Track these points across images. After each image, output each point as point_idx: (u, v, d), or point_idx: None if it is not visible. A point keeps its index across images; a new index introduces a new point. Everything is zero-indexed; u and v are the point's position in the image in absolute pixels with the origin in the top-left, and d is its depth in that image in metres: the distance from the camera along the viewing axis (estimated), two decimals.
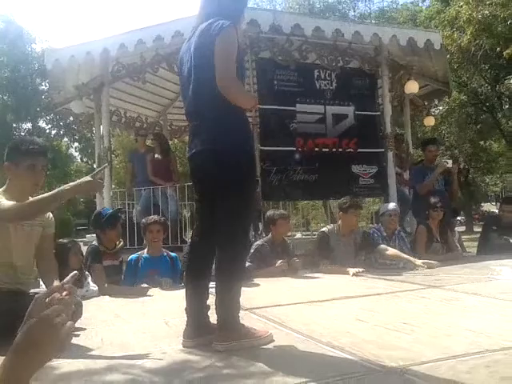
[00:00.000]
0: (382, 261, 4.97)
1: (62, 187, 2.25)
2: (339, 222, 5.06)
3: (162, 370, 1.85)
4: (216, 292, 2.16)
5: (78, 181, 2.29)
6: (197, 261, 2.30)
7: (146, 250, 4.51)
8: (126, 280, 4.31)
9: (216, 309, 2.15)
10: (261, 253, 4.69)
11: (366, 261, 5.00)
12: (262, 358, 1.91)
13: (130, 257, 4.45)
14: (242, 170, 2.16)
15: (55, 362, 1.89)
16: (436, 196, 5.63)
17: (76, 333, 2.40)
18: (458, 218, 31.60)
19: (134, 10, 67.55)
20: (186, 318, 2.24)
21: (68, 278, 1.21)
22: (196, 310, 2.23)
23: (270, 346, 2.11)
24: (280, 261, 4.60)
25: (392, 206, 5.49)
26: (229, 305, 2.13)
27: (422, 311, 2.65)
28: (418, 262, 4.54)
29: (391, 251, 4.83)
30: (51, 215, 2.75)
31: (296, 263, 4.71)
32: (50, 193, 2.24)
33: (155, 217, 4.76)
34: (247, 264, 4.28)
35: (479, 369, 1.62)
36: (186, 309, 2.25)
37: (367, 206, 11.38)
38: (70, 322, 1.08)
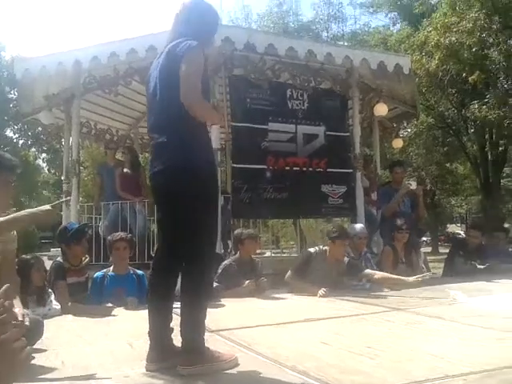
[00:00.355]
0: (352, 282, 4.95)
1: (20, 213, 2.19)
2: (326, 247, 4.95)
3: None
4: (181, 313, 2.14)
5: (37, 209, 2.23)
6: (160, 281, 2.26)
7: (111, 268, 4.41)
8: (92, 298, 4.18)
9: (180, 331, 2.12)
10: (228, 272, 4.64)
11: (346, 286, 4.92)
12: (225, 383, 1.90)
13: (95, 274, 4.35)
14: (205, 187, 2.16)
15: None
16: (402, 218, 5.73)
17: (35, 354, 2.33)
18: (424, 238, 32.27)
19: (108, 22, 67.25)
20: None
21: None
22: (159, 332, 2.19)
23: (235, 370, 2.09)
24: (247, 281, 4.57)
25: (360, 227, 5.49)
26: (194, 326, 2.11)
27: (386, 335, 2.68)
28: (411, 279, 4.52)
29: (379, 274, 4.76)
30: (14, 232, 2.67)
31: (264, 283, 4.66)
32: (8, 217, 2.19)
33: (121, 233, 4.66)
34: (215, 284, 4.27)
35: None
36: (148, 332, 2.22)
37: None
38: (28, 347, 1.06)
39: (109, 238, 4.66)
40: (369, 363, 2.10)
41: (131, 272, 4.43)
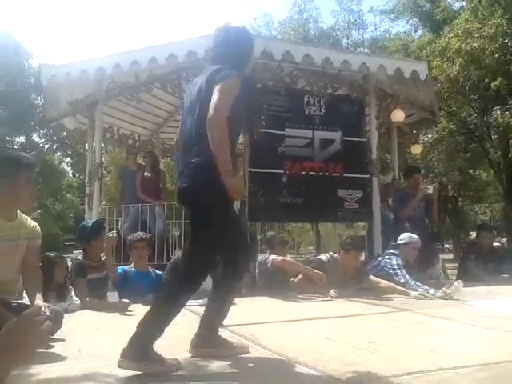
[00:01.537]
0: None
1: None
2: (336, 254, 5.01)
3: (135, 379, 1.95)
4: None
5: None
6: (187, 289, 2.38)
7: (131, 266, 4.60)
8: (120, 291, 4.39)
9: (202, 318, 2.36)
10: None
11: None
12: (226, 368, 2.01)
13: (118, 269, 4.51)
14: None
15: (32, 370, 1.98)
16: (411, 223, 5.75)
17: (54, 343, 2.48)
18: (446, 245, 31.74)
19: (129, 31, 68.46)
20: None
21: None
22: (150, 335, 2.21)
23: (240, 360, 2.19)
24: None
25: (416, 238, 5.27)
26: (216, 317, 2.39)
27: (390, 332, 2.77)
28: (414, 293, 4.40)
29: (384, 284, 4.67)
30: (38, 227, 2.83)
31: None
32: None
33: (141, 233, 4.85)
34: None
35: None
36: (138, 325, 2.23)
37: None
38: (48, 322, 1.20)
39: (129, 237, 4.86)
40: (368, 357, 2.19)
41: (150, 271, 4.62)
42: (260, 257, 5.03)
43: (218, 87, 2.24)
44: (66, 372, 2.06)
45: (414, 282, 4.63)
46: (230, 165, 2.21)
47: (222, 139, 2.19)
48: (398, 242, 5.28)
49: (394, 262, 4.89)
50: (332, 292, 4.42)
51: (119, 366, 2.05)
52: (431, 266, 5.84)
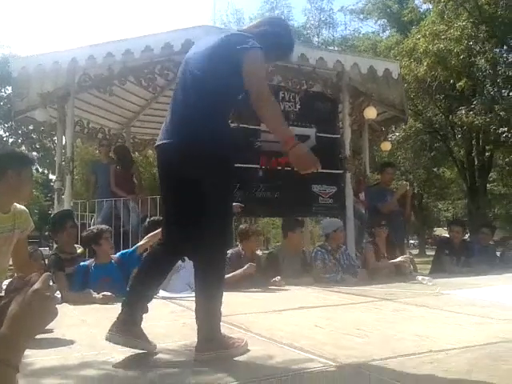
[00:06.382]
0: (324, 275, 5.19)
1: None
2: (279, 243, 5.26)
3: (133, 365, 1.95)
4: (196, 301, 2.14)
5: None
6: (154, 263, 2.26)
7: (93, 260, 4.34)
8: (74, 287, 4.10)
9: (196, 318, 2.12)
10: (230, 262, 4.79)
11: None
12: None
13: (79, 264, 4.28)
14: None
15: (28, 359, 1.95)
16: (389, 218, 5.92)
17: (43, 335, 2.44)
18: (411, 241, 32.52)
19: (104, 22, 67.18)
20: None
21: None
22: (130, 313, 2.15)
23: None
24: (248, 264, 4.70)
25: (337, 220, 5.81)
26: (209, 314, 2.11)
27: (375, 319, 2.85)
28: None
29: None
30: (29, 216, 2.82)
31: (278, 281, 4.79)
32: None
33: (102, 226, 4.67)
34: None
35: (424, 365, 1.81)
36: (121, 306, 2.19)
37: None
38: (56, 296, 1.22)
39: (93, 230, 4.48)
40: (359, 341, 2.26)
41: (112, 261, 4.35)
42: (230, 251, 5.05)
43: (248, 65, 2.07)
44: (62, 361, 2.04)
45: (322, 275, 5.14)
46: (291, 132, 2.15)
47: (276, 112, 2.12)
48: (326, 231, 5.62)
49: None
50: (277, 278, 4.67)
51: (196, 359, 2.01)
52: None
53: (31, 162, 2.76)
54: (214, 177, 2.09)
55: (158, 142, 2.26)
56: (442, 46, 13.83)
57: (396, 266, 5.69)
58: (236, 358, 2.02)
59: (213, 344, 2.06)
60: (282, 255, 5.26)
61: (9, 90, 15.16)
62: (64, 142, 7.28)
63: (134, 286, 2.29)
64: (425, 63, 14.26)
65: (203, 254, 2.14)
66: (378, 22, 23.53)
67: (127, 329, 2.08)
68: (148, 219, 5.02)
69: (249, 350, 2.13)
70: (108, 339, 2.09)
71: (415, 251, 22.66)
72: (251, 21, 25.11)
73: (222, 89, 2.14)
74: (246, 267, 4.70)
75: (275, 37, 2.34)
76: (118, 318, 2.13)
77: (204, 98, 2.13)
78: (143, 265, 2.35)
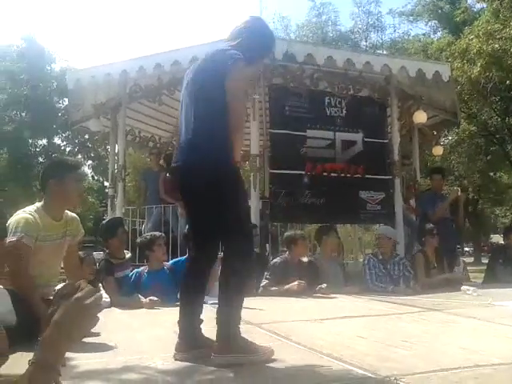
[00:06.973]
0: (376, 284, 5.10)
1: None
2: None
3: (174, 371, 1.99)
4: (219, 301, 2.21)
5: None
6: (193, 275, 2.38)
7: (146, 267, 4.46)
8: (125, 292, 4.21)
9: (217, 318, 2.17)
10: (277, 270, 4.82)
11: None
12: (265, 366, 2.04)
13: (132, 271, 4.45)
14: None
15: (72, 362, 2.03)
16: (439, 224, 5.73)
17: (89, 338, 2.52)
18: (466, 248, 31.32)
19: (152, 34, 69.17)
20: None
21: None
22: (188, 323, 2.29)
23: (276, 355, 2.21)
24: (296, 282, 4.65)
25: (389, 228, 5.74)
26: (230, 315, 2.16)
27: (421, 331, 2.76)
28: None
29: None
30: (80, 223, 2.98)
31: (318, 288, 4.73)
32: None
33: (156, 233, 4.80)
34: (264, 282, 4.48)
35: (468, 380, 1.74)
36: (178, 322, 2.32)
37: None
38: (102, 302, 1.27)
39: (147, 237, 4.67)
40: (403, 353, 2.20)
41: (164, 268, 4.45)
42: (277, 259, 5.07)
43: (230, 77, 2.22)
44: (104, 365, 2.11)
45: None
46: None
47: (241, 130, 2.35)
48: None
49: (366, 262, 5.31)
50: (297, 282, 4.58)
51: (216, 364, 2.05)
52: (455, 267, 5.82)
53: (72, 168, 2.81)
54: (221, 187, 2.21)
55: (172, 164, 2.51)
56: (496, 45, 13.29)
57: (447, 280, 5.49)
58: (272, 365, 2.02)
59: (231, 347, 2.09)
60: (320, 262, 5.20)
61: (66, 101, 15.86)
62: (116, 151, 7.55)
63: (184, 298, 2.40)
64: (478, 64, 13.73)
65: (227, 259, 2.26)
66: (429, 23, 22.97)
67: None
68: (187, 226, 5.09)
69: (274, 360, 2.11)
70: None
71: (470, 259, 21.80)
72: (298, 28, 25.21)
73: (218, 111, 2.25)
74: (295, 284, 4.61)
75: (258, 38, 2.48)
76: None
77: (203, 119, 2.28)
78: (184, 278, 2.45)
